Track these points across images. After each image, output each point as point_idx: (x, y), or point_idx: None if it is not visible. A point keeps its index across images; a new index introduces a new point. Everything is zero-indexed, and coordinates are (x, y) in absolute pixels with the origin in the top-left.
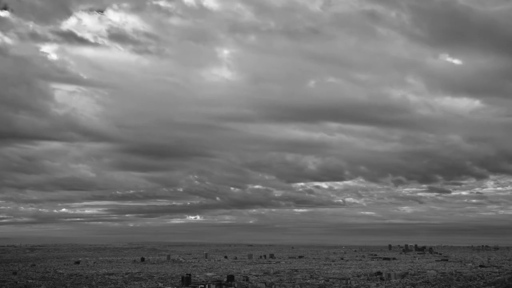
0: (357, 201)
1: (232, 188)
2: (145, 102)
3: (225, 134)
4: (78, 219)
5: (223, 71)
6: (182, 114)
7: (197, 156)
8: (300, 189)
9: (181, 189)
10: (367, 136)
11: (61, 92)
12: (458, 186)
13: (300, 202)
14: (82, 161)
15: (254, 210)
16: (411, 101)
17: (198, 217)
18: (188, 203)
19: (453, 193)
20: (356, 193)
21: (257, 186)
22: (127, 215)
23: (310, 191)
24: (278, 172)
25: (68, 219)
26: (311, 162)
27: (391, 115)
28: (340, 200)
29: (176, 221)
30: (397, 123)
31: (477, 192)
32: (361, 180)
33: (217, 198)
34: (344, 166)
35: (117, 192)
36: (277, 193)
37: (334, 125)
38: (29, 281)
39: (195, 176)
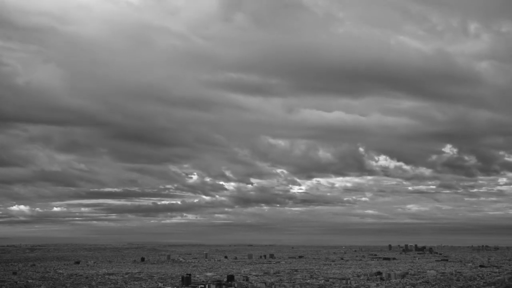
0: (365, 199)
1: (235, 184)
2: (134, 69)
3: (235, 114)
4: (77, 218)
5: (236, 17)
6: (183, 86)
7: (201, 143)
8: (308, 186)
9: (178, 185)
10: (412, 115)
11: (17, 54)
12: (476, 183)
13: (305, 200)
14: (67, 149)
15: (256, 208)
16: (485, 66)
17: (197, 217)
18: (187, 201)
19: (474, 190)
20: (365, 190)
21: (262, 182)
22: (123, 214)
23: (318, 188)
24: (289, 165)
25: (66, 218)
26: (329, 153)
27: (454, 86)
28: (350, 198)
29: (174, 220)
30: (458, 98)
31: (498, 190)
32: (376, 176)
33: (217, 196)
34: (363, 159)
35: (110, 189)
36: (284, 190)
37: (373, 100)
38: (29, 281)
39: (195, 170)
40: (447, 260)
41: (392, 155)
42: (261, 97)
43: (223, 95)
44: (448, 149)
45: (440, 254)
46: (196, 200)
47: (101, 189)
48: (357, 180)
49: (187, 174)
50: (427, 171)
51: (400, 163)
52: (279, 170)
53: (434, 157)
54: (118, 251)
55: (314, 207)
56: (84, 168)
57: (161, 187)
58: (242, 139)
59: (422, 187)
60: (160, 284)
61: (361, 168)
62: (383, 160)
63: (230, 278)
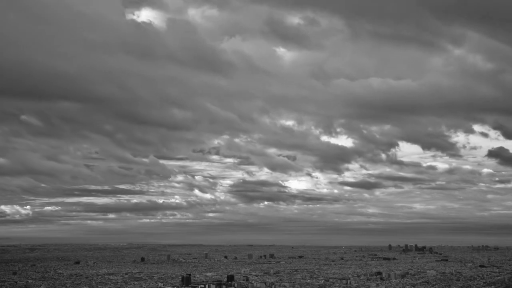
0: (370, 196)
1: (236, 181)
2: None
3: (258, 82)
4: (74, 218)
5: None
6: (196, 39)
7: (206, 123)
8: (311, 183)
9: (177, 183)
10: (484, 80)
11: None
12: (504, 178)
13: (309, 199)
14: (46, 134)
15: (256, 207)
16: None
17: (197, 216)
18: (186, 199)
19: (497, 186)
20: (373, 187)
21: (266, 177)
22: (122, 213)
23: (321, 186)
24: (298, 155)
25: (62, 218)
26: (346, 141)
27: None
28: (353, 196)
29: (174, 220)
30: None
31: None
32: (391, 170)
33: (216, 194)
34: (382, 151)
35: (106, 187)
36: (287, 187)
37: (445, 55)
38: (29, 281)
39: (194, 165)
40: (447, 260)
41: (420, 141)
42: (295, 51)
43: (244, 51)
44: (496, 135)
45: (440, 254)
46: (195, 199)
47: (95, 187)
48: (366, 175)
49: (185, 171)
50: (453, 162)
51: (423, 152)
52: (288, 161)
53: (472, 144)
54: (118, 251)
55: (316, 206)
56: (74, 161)
57: (159, 183)
58: (256, 119)
59: (440, 183)
60: (160, 284)
61: (377, 161)
62: (406, 151)
63: (230, 278)
